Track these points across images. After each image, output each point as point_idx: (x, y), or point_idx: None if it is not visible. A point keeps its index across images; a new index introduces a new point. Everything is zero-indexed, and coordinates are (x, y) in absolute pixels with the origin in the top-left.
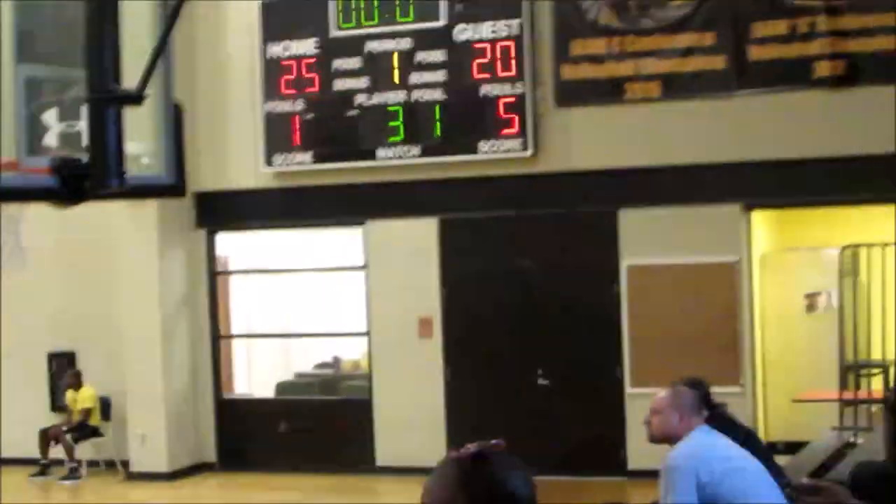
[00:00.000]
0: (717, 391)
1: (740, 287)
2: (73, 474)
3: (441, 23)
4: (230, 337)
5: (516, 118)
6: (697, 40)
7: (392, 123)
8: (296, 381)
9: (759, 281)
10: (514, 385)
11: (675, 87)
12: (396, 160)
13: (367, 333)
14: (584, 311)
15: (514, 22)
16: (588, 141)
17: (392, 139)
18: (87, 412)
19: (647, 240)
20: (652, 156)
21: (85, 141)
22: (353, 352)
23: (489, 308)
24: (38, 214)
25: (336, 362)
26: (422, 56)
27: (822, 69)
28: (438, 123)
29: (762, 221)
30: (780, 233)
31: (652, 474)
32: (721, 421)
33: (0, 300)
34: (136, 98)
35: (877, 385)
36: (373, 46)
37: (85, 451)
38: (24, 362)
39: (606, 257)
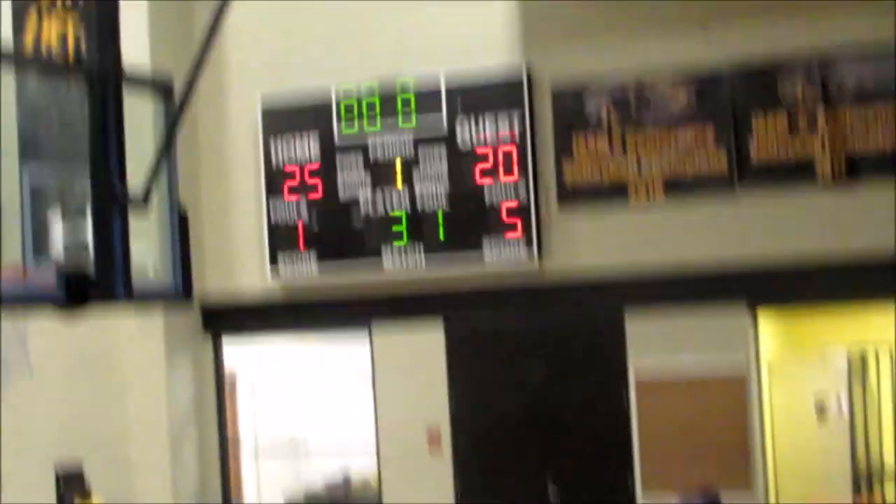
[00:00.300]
0: (728, 497)
1: (749, 391)
2: None
3: (443, 128)
4: (238, 446)
5: (520, 222)
6: (698, 138)
7: (396, 228)
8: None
9: (767, 385)
10: (524, 501)
11: (677, 186)
12: (401, 266)
13: (376, 444)
14: (593, 416)
15: (515, 123)
16: (592, 243)
17: (396, 244)
18: None
19: (656, 342)
20: (657, 257)
21: (90, 248)
22: (362, 462)
23: (497, 415)
24: (43, 324)
25: (346, 481)
26: (424, 161)
27: (825, 167)
28: (442, 228)
29: (769, 322)
30: (786, 335)
31: None
32: None
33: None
34: (142, 204)
35: (890, 491)
36: (376, 151)
37: None
38: (28, 479)
39: (614, 361)
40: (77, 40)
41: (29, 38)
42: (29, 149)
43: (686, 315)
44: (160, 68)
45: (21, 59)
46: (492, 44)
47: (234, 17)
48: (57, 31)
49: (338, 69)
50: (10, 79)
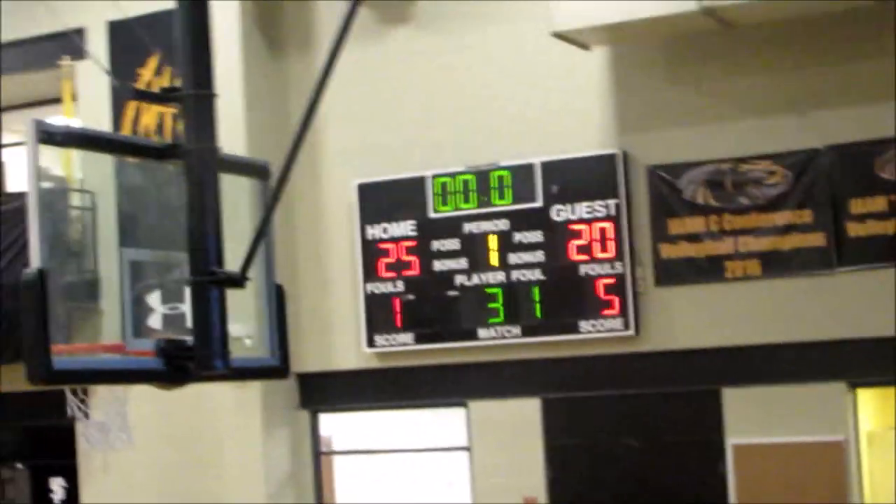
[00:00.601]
0: None
1: (847, 466)
2: None
3: (538, 204)
4: None
5: (616, 298)
6: (795, 218)
7: (492, 305)
8: None
9: (867, 459)
10: None
11: (775, 264)
12: (497, 340)
13: None
14: (689, 490)
15: (611, 202)
16: (689, 319)
17: (492, 320)
18: None
19: (752, 418)
20: (753, 334)
21: (188, 323)
22: None
23: (594, 488)
24: (142, 394)
25: None
26: (519, 237)
27: None
28: (538, 304)
29: (868, 399)
30: (885, 410)
31: None
32: None
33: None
34: (239, 281)
35: None
36: (470, 228)
37: None
38: None
39: (711, 436)
40: (174, 125)
41: (127, 123)
42: (128, 231)
43: (783, 392)
44: (257, 152)
45: (120, 144)
46: (588, 129)
47: (330, 104)
48: (154, 117)
49: (432, 155)
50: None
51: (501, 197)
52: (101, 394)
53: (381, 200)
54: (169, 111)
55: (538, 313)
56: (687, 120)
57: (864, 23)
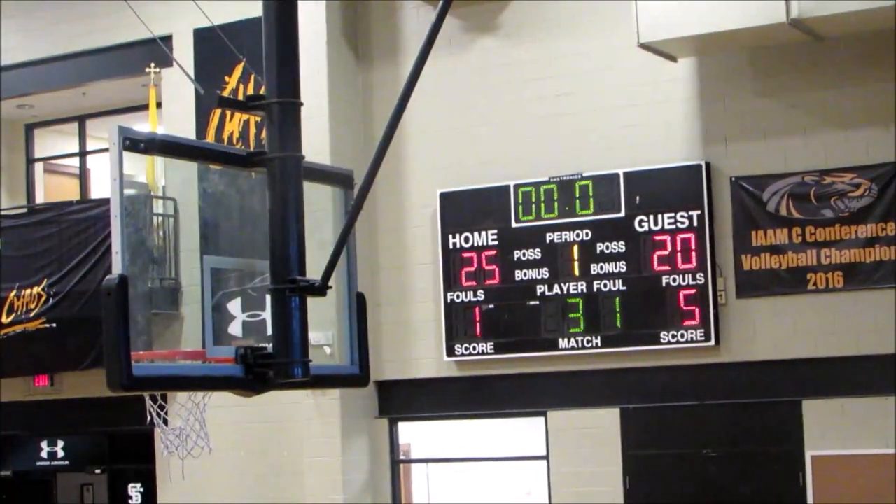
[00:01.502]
0: None
1: None
2: None
3: (621, 214)
4: None
5: (697, 309)
6: (879, 230)
7: (572, 315)
8: None
9: None
10: None
11: (857, 276)
12: (577, 350)
13: None
14: (768, 502)
15: (694, 213)
16: (770, 331)
17: (573, 330)
18: None
19: (832, 430)
20: (834, 346)
21: (269, 331)
22: None
23: (672, 499)
24: (222, 401)
25: None
26: (601, 247)
27: None
28: (619, 314)
29: None
30: None
31: None
32: None
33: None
34: (320, 289)
35: None
36: (552, 237)
37: None
38: None
39: (791, 448)
40: (259, 131)
41: (211, 131)
42: (210, 238)
43: (863, 404)
44: (340, 161)
45: (204, 151)
46: (672, 140)
47: (414, 112)
48: (239, 125)
49: (516, 165)
50: (192, 172)
51: (584, 207)
52: (181, 400)
53: (463, 209)
54: (253, 119)
55: (619, 323)
56: (772, 131)
57: None
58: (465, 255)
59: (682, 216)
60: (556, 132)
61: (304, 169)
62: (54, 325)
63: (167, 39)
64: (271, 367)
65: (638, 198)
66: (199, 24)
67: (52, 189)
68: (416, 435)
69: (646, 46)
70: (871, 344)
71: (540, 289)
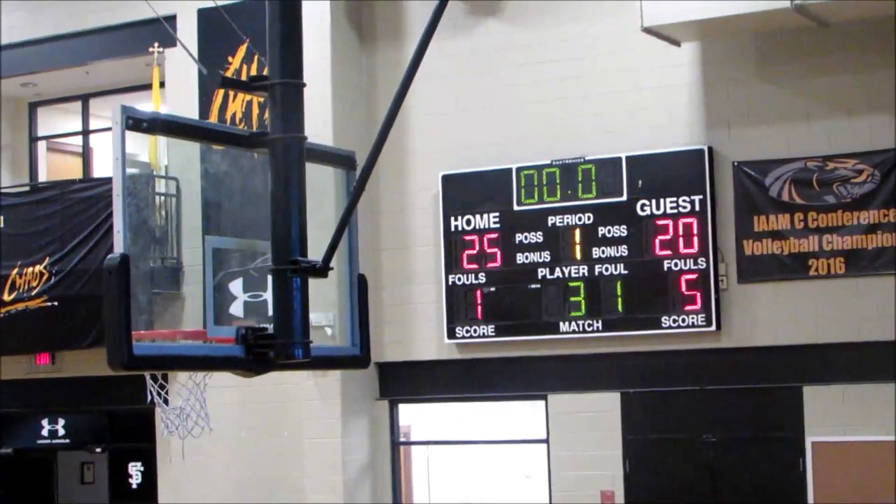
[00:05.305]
0: None
1: None
2: None
3: (623, 198)
4: None
5: (699, 294)
6: (881, 217)
7: (573, 298)
8: None
9: None
10: None
11: (859, 262)
12: (578, 334)
13: None
14: (768, 487)
15: (696, 198)
16: (771, 316)
17: (574, 314)
18: None
19: (833, 416)
20: (836, 332)
21: (270, 311)
22: None
23: (672, 483)
24: (222, 381)
25: None
26: (603, 231)
27: None
28: (620, 298)
29: None
30: None
31: None
32: None
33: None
34: (322, 270)
35: None
36: (554, 221)
37: None
38: None
39: (791, 433)
40: (262, 112)
41: (214, 110)
42: (211, 218)
43: (864, 391)
44: (343, 142)
45: (206, 131)
46: (675, 124)
47: (417, 95)
48: (242, 105)
49: (518, 148)
50: (194, 152)
51: (586, 191)
52: (181, 380)
53: (465, 192)
54: (256, 99)
55: (620, 308)
56: (775, 117)
57: None
58: (467, 237)
59: (684, 201)
60: (559, 115)
61: (306, 150)
62: (56, 303)
63: (171, 19)
64: (272, 347)
65: (640, 182)
66: (203, 3)
67: (54, 167)
68: (416, 417)
69: (649, 30)
70: (873, 330)
71: (541, 272)
